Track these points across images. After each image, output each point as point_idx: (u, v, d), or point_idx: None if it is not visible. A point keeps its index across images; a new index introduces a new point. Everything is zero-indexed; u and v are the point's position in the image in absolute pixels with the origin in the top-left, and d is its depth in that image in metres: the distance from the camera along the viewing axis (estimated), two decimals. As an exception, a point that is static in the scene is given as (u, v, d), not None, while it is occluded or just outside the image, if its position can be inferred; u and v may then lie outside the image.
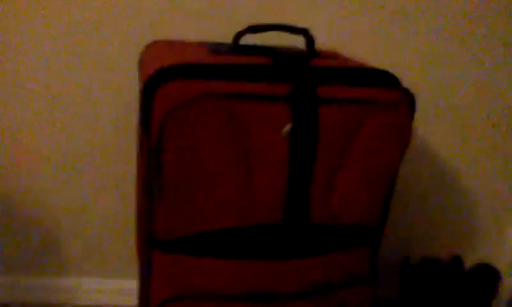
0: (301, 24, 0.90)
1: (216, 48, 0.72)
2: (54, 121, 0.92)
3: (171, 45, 0.77)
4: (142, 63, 0.73)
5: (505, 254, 1.07)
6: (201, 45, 0.77)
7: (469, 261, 1.07)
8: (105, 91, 0.91)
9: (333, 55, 0.75)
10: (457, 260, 0.91)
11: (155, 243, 0.64)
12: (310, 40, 0.71)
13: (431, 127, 0.98)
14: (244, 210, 0.62)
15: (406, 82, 0.93)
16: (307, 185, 0.63)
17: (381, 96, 0.63)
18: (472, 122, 0.99)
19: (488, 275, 0.89)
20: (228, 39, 0.87)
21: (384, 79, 0.65)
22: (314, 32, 0.91)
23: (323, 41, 0.91)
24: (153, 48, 0.77)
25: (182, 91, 0.56)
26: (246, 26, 0.68)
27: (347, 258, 0.70)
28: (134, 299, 1.05)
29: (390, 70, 0.67)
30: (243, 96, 0.58)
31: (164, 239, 0.63)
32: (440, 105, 0.97)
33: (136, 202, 0.71)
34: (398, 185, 1.02)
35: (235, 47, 0.69)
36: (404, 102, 0.64)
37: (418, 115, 0.97)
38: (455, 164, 1.01)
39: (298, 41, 0.84)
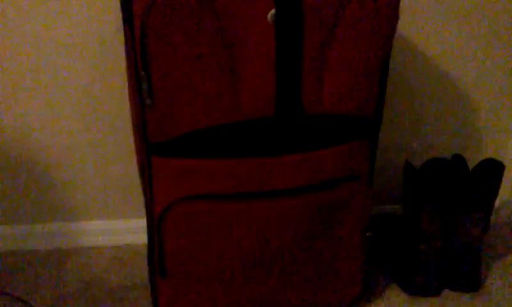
0: None
1: None
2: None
3: None
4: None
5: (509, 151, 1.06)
6: None
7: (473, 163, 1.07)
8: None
9: None
10: (458, 158, 0.90)
11: (151, 148, 0.63)
12: None
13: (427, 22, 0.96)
14: (232, 105, 0.61)
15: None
16: (297, 75, 0.62)
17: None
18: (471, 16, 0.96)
19: (493, 168, 0.89)
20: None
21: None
22: None
23: None
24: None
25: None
26: None
27: (343, 153, 0.69)
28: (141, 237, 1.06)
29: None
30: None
31: (157, 142, 0.62)
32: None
33: (131, 112, 0.71)
34: (395, 92, 1.01)
35: None
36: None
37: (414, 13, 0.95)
38: (453, 62, 0.99)
39: None
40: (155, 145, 0.63)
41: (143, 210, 1.06)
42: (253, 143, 0.64)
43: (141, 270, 0.99)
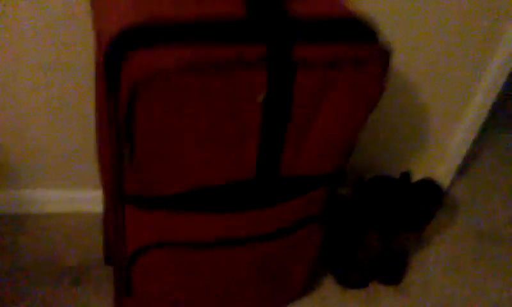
0: None
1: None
2: None
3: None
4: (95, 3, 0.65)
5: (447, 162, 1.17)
6: None
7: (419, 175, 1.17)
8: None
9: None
10: (405, 176, 0.98)
11: (126, 199, 0.64)
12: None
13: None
14: (217, 172, 0.63)
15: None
16: (279, 146, 0.64)
17: (355, 53, 0.61)
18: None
19: (431, 188, 0.98)
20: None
21: (361, 32, 0.63)
22: None
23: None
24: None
25: (152, 62, 0.52)
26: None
27: (308, 200, 0.74)
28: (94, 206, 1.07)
29: (368, 20, 0.64)
30: (218, 65, 0.54)
31: (135, 196, 0.63)
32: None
33: (98, 149, 0.70)
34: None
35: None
36: (378, 58, 0.62)
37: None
38: (401, 85, 1.04)
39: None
40: (131, 197, 0.64)
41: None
42: (233, 200, 0.67)
43: (101, 245, 0.98)
